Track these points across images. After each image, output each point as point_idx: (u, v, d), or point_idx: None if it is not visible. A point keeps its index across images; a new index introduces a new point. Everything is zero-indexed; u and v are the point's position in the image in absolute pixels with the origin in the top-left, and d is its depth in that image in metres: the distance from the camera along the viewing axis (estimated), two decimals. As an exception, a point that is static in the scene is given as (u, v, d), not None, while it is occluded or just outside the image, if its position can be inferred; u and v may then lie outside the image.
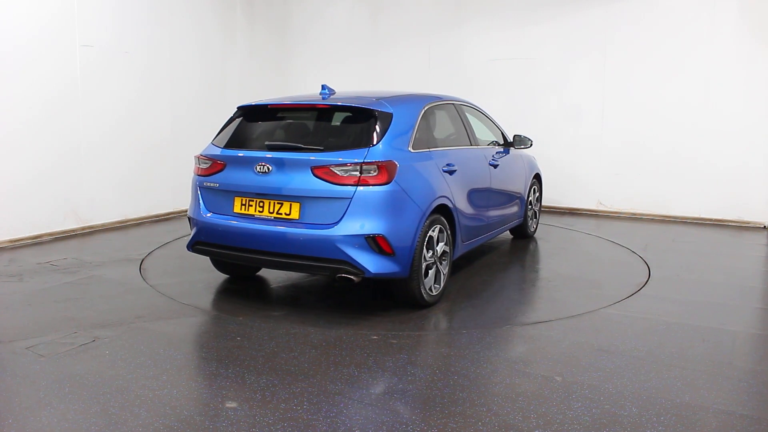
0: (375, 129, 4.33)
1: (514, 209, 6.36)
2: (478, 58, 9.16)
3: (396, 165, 4.21)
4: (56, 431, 2.77)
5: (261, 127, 4.80)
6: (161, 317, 4.37)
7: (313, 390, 3.21)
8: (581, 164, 8.63)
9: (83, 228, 7.14)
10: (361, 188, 4.08)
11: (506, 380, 3.36)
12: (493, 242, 6.76)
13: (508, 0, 8.92)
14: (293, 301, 4.78)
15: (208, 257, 5.11)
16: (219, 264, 5.24)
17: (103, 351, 3.68)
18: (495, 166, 5.75)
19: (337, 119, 4.67)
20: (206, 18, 8.78)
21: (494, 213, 5.76)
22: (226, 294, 5.01)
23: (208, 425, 2.83)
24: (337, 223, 4.09)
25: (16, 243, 6.42)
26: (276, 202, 4.28)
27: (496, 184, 5.76)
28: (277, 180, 4.26)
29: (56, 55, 6.70)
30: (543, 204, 7.94)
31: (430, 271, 4.49)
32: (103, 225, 7.36)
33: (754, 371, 3.51)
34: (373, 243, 4.09)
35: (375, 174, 4.11)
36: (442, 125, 5.39)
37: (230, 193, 4.47)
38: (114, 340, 3.85)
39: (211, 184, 4.57)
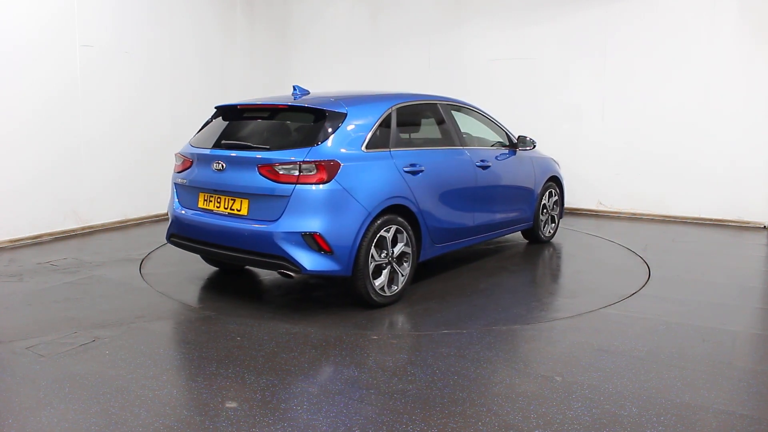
0: (323, 129, 4.40)
1: (518, 213, 6.21)
2: (478, 58, 9.16)
3: (338, 164, 4.24)
4: (56, 431, 2.77)
5: (229, 126, 4.93)
6: (161, 317, 4.37)
7: (313, 390, 3.21)
8: (581, 164, 8.62)
9: (83, 228, 7.14)
10: (300, 186, 4.17)
11: (506, 380, 3.36)
12: (501, 245, 6.76)
13: (508, 0, 8.92)
14: (293, 300, 4.78)
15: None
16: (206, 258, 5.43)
17: (103, 351, 3.68)
18: (485, 168, 5.58)
19: (294, 119, 4.73)
20: (206, 18, 8.78)
21: (485, 215, 5.66)
22: (226, 294, 5.01)
23: (208, 425, 2.83)
24: (277, 219, 4.21)
25: (16, 243, 6.42)
26: (229, 198, 4.48)
27: (487, 186, 5.63)
28: (229, 177, 4.45)
29: (56, 55, 6.71)
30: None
31: (383, 272, 4.50)
32: (103, 225, 7.36)
33: (754, 371, 3.51)
34: (311, 240, 4.16)
35: (314, 173, 4.18)
36: (415, 125, 5.36)
37: (196, 189, 4.71)
38: (114, 340, 3.85)
39: (182, 181, 4.84)
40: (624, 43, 8.25)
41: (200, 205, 4.67)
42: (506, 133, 6.21)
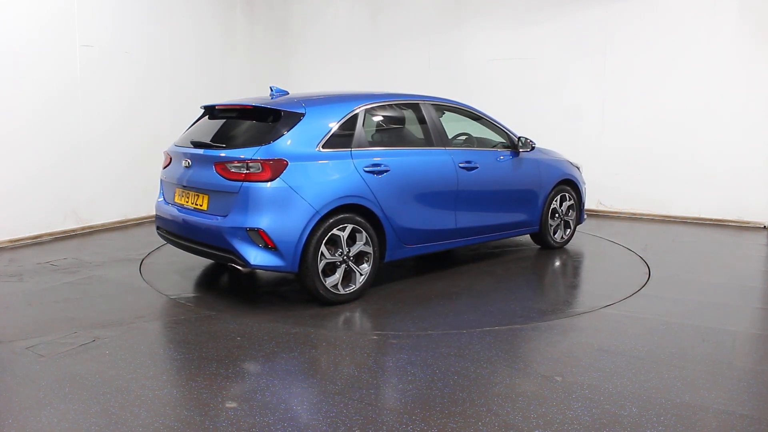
0: (276, 128, 4.54)
1: (519, 216, 6.01)
2: (478, 58, 9.15)
3: (285, 163, 4.35)
4: (56, 431, 2.77)
5: (206, 125, 5.13)
6: (161, 317, 4.37)
7: (313, 390, 3.21)
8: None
9: (83, 228, 7.14)
10: (247, 184, 4.33)
11: (506, 380, 3.36)
12: (507, 249, 6.73)
13: (508, 0, 8.93)
14: (294, 301, 4.77)
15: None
16: None
17: (103, 351, 3.68)
18: (470, 169, 5.43)
19: (256, 119, 4.83)
20: (206, 18, 8.78)
21: (471, 218, 5.51)
22: (226, 294, 5.01)
23: (208, 425, 2.83)
24: (227, 215, 4.40)
25: (16, 243, 6.42)
26: (194, 193, 4.71)
27: (472, 188, 5.48)
28: (194, 174, 4.69)
29: (56, 55, 6.71)
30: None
31: (338, 270, 4.55)
32: (103, 225, 7.36)
33: (754, 371, 3.51)
34: (256, 236, 4.31)
35: (259, 171, 4.32)
36: (389, 125, 5.35)
37: (173, 184, 4.99)
38: (114, 340, 3.85)
39: (163, 177, 5.17)
40: (624, 43, 8.25)
41: (176, 200, 4.93)
42: (508, 135, 5.97)
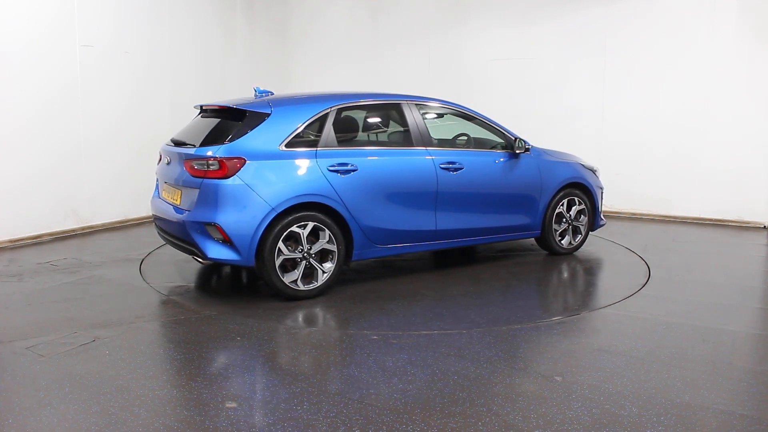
0: (240, 128, 4.70)
1: (514, 220, 5.80)
2: (478, 58, 9.15)
3: (242, 161, 4.50)
4: (56, 431, 2.77)
5: (196, 124, 5.27)
6: (161, 317, 4.38)
7: (313, 390, 3.21)
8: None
9: (83, 228, 7.14)
10: (207, 180, 4.52)
11: (506, 380, 3.36)
12: (510, 253, 6.68)
13: (508, 0, 8.93)
14: (294, 301, 4.77)
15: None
16: None
17: (103, 351, 3.68)
18: (453, 171, 5.31)
19: (227, 119, 5.01)
20: (206, 18, 8.78)
21: (455, 220, 5.40)
22: (226, 294, 5.01)
23: (208, 425, 2.83)
24: (190, 209, 4.60)
25: (16, 243, 6.42)
26: (173, 189, 4.93)
27: (455, 190, 5.34)
28: (172, 171, 4.92)
29: (56, 56, 6.71)
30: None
31: (298, 266, 4.63)
32: (103, 225, 7.36)
33: (754, 371, 3.51)
34: (213, 230, 4.48)
35: (216, 168, 4.50)
36: (360, 126, 5.37)
37: (161, 181, 5.24)
38: (114, 340, 3.85)
39: (156, 173, 5.39)
40: (624, 43, 8.25)
41: (162, 195, 5.15)
42: (505, 135, 5.81)
